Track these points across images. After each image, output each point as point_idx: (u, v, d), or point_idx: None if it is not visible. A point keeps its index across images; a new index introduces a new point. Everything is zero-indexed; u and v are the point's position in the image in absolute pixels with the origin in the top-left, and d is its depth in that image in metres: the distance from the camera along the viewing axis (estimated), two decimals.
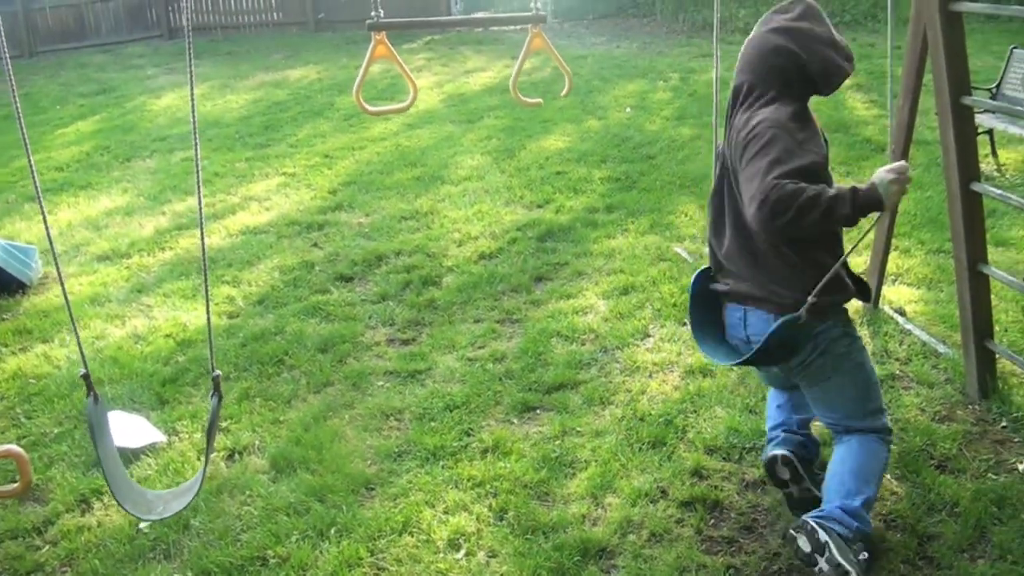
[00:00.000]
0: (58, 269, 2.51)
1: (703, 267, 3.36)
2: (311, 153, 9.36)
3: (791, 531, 3.14)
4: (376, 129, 10.16)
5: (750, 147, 2.96)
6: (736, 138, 3.09)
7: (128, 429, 4.37)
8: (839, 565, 2.95)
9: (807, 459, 3.51)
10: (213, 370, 2.66)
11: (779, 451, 3.46)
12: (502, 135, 9.49)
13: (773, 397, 3.70)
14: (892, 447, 3.44)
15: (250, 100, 12.31)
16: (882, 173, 2.93)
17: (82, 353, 2.56)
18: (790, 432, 3.55)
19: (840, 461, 3.23)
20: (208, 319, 2.66)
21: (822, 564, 2.99)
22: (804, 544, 3.06)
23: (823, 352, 3.11)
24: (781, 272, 3.06)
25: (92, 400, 2.59)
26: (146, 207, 7.99)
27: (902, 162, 3.00)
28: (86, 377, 2.56)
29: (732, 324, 3.27)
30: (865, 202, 2.85)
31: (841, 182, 6.63)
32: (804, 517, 3.11)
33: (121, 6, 18.66)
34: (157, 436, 4.37)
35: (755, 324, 3.13)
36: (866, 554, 3.04)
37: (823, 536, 3.00)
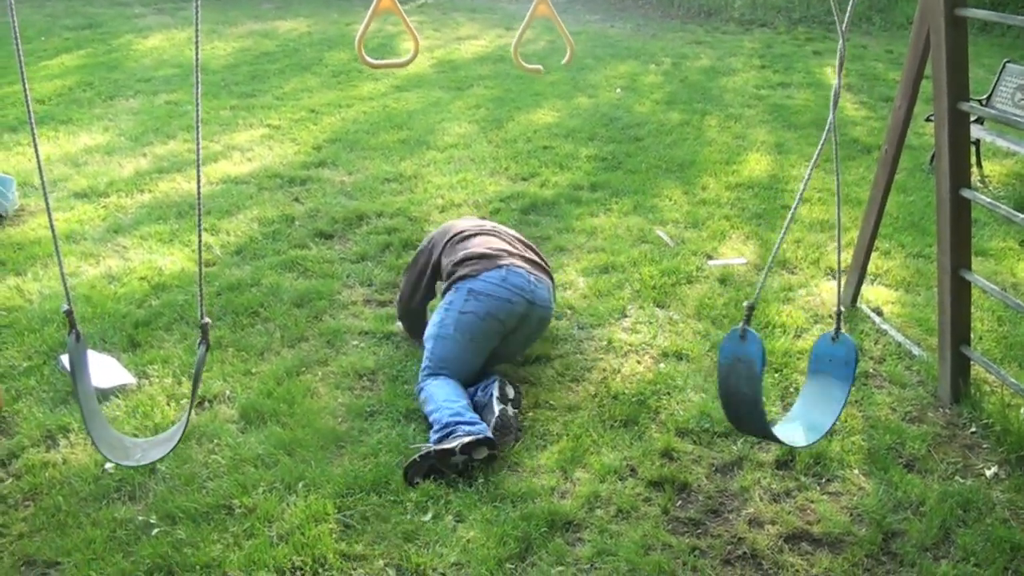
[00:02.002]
0: (47, 205, 2.44)
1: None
2: (297, 107, 9.26)
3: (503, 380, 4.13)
4: (364, 88, 10.07)
5: None
6: None
7: (98, 369, 4.32)
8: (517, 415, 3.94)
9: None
10: (202, 317, 2.62)
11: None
12: (491, 105, 9.43)
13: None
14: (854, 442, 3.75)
15: (237, 48, 12.14)
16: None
17: (66, 289, 2.50)
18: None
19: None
20: (200, 268, 2.62)
21: (510, 409, 3.95)
22: (510, 391, 4.09)
23: None
24: None
25: (74, 338, 2.52)
26: (127, 147, 7.87)
27: None
28: (69, 314, 2.49)
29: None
30: None
31: (827, 179, 6.65)
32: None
33: None
34: (127, 378, 4.33)
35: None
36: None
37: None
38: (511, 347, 4.39)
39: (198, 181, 2.51)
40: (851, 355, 3.32)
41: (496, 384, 4.07)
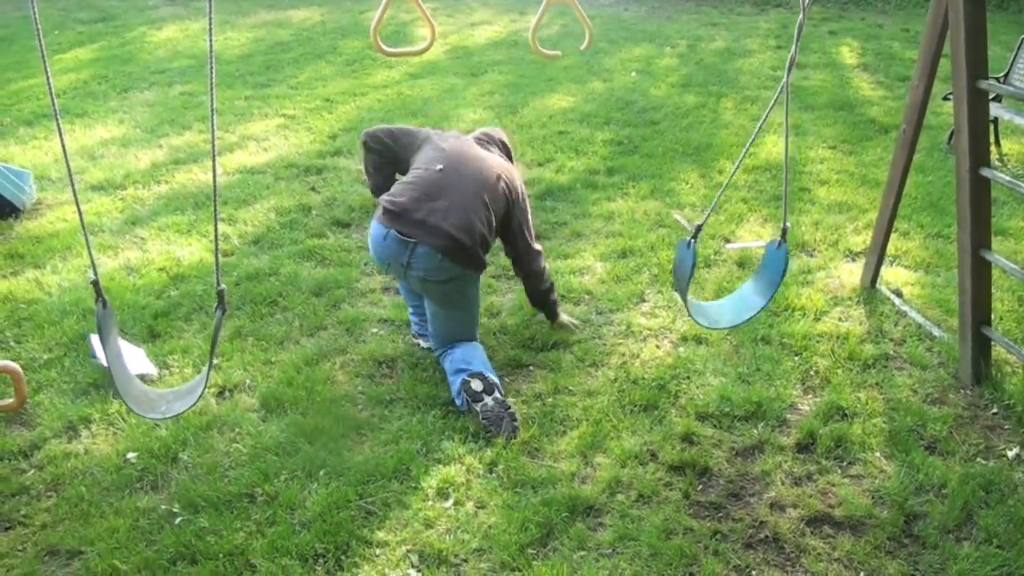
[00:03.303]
0: (72, 185, 2.46)
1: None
2: (312, 96, 9.26)
3: (466, 378, 3.99)
4: (378, 76, 10.06)
5: None
6: None
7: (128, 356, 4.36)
8: (503, 401, 3.93)
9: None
10: (219, 284, 2.66)
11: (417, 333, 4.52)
12: (505, 91, 9.41)
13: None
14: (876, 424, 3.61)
15: (252, 38, 12.15)
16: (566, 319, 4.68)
17: (92, 260, 2.55)
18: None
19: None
20: (216, 240, 2.63)
21: (488, 400, 3.92)
22: (477, 385, 3.95)
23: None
24: None
25: (101, 305, 2.61)
26: (142, 139, 7.90)
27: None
28: (95, 283, 2.56)
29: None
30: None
31: (845, 161, 6.64)
32: (474, 372, 4.03)
33: None
34: (149, 368, 4.35)
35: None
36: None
37: (494, 378, 4.03)
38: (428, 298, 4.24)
39: (214, 169, 2.51)
40: (780, 265, 3.66)
41: (460, 386, 4.00)
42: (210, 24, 2.36)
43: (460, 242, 3.99)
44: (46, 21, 13.02)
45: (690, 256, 3.52)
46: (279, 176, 6.96)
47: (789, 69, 3.31)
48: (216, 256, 2.72)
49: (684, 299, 3.59)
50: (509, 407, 3.92)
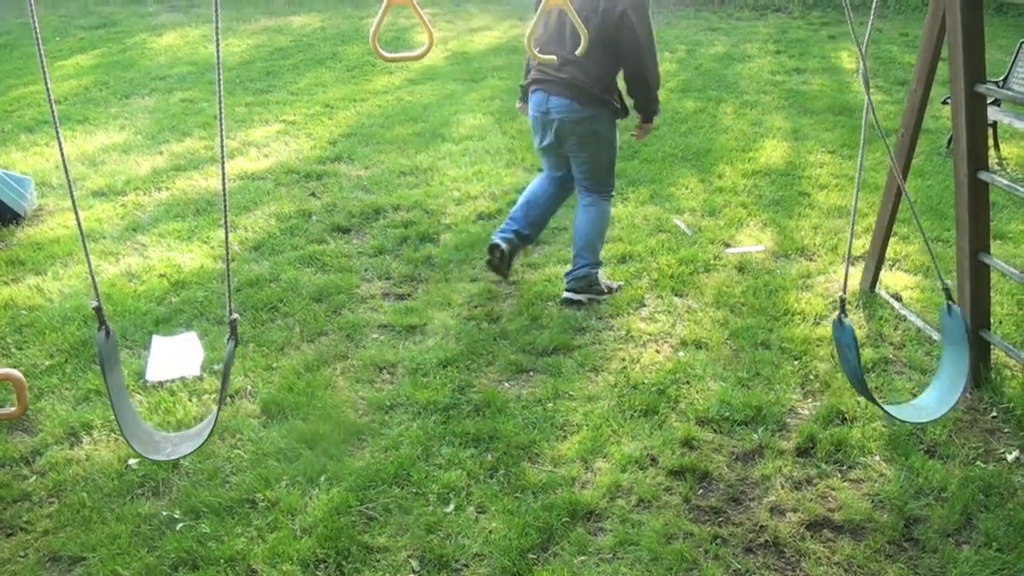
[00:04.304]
0: (73, 201, 2.44)
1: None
2: (312, 102, 9.28)
3: (566, 297, 5.06)
4: (378, 82, 10.08)
5: None
6: None
7: (177, 353, 4.57)
8: (592, 299, 5.05)
9: (515, 250, 5.23)
10: (230, 314, 2.60)
11: (499, 240, 5.12)
12: (505, 96, 9.42)
13: (527, 196, 5.31)
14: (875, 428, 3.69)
15: (252, 45, 12.18)
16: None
17: (95, 285, 2.50)
18: (516, 231, 5.17)
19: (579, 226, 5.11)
20: (227, 264, 2.63)
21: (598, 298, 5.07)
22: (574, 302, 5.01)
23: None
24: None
25: (104, 334, 2.50)
26: (143, 146, 7.92)
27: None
28: (98, 310, 2.48)
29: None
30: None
31: (844, 165, 6.68)
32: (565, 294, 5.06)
33: None
34: (197, 356, 4.53)
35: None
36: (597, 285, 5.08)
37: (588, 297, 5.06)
38: (573, 158, 5.07)
39: (223, 178, 2.52)
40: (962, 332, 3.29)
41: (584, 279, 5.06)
42: (216, 33, 2.37)
43: (579, 87, 4.82)
44: (47, 27, 13.06)
45: (847, 335, 3.07)
46: (279, 182, 6.97)
47: (866, 87, 3.14)
48: (227, 284, 2.71)
49: (867, 395, 3.20)
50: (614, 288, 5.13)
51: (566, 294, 5.05)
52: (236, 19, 13.77)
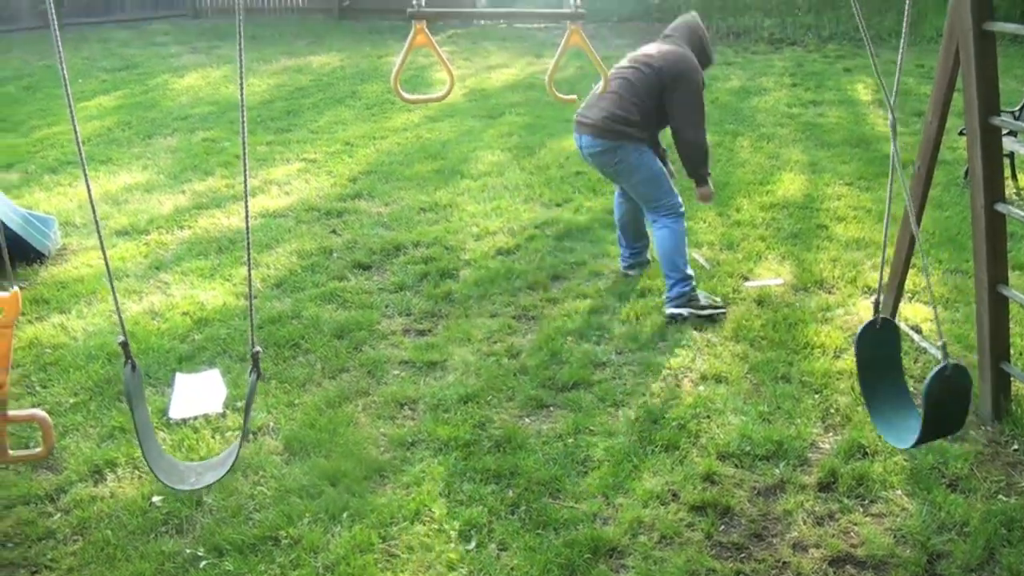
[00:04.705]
0: (99, 234, 2.52)
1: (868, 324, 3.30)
2: (332, 140, 9.38)
3: (669, 313, 5.27)
4: (398, 120, 10.18)
5: None
6: None
7: (199, 391, 4.61)
8: (693, 314, 5.24)
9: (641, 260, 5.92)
10: (253, 346, 2.66)
11: (624, 271, 5.90)
12: (523, 132, 9.50)
13: (616, 221, 5.93)
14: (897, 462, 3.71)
15: (273, 84, 12.33)
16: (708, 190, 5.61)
17: (121, 321, 2.58)
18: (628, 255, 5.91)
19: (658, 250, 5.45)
20: (250, 299, 2.70)
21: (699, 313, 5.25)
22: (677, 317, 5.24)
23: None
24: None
25: (130, 368, 2.59)
26: (166, 185, 8.02)
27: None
28: (124, 345, 2.56)
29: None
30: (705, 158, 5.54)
31: (862, 197, 6.68)
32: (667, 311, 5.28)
33: None
34: (220, 393, 4.56)
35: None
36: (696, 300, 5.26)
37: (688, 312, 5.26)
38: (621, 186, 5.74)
39: (246, 211, 2.56)
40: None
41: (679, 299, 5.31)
42: (240, 74, 2.43)
43: (596, 125, 5.28)
44: (70, 70, 13.19)
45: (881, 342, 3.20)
46: (300, 219, 7.04)
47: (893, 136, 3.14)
48: (251, 318, 2.75)
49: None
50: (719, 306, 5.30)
51: (668, 311, 5.26)
52: (257, 59, 13.94)
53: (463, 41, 15.58)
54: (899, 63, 3.17)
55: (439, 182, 7.89)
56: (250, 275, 2.50)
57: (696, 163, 5.48)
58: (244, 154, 2.49)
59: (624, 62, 5.46)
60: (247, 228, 2.52)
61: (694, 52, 5.43)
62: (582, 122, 5.38)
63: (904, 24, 2.99)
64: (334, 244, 6.51)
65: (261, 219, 7.06)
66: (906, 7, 2.88)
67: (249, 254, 2.49)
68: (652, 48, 5.45)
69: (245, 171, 2.54)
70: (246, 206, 2.53)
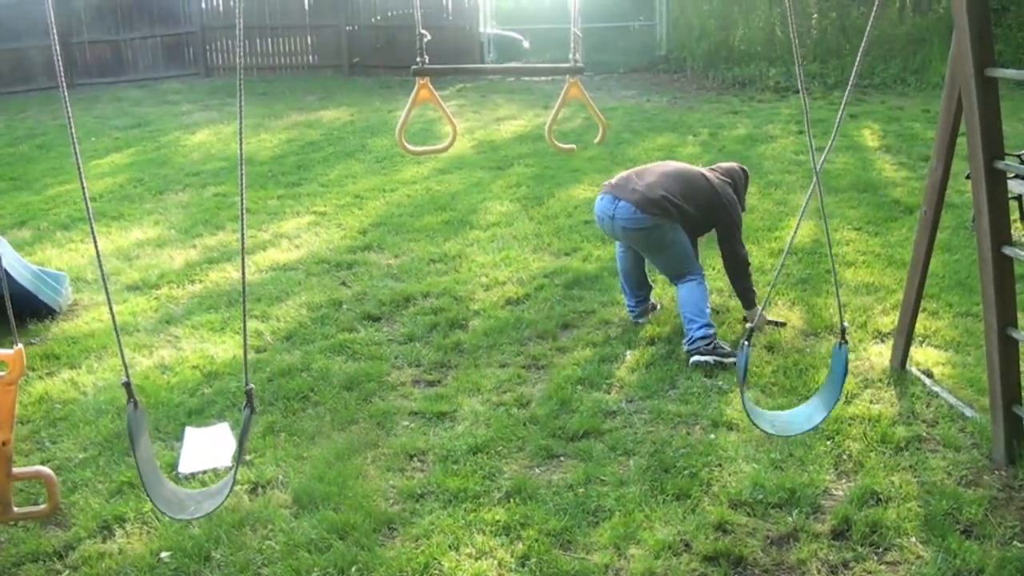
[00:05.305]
0: (105, 286, 2.59)
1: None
2: (342, 193, 9.45)
3: (693, 361, 5.28)
4: (407, 172, 10.26)
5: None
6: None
7: (212, 447, 4.60)
8: (718, 361, 5.27)
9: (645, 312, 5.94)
10: (247, 384, 2.73)
11: (633, 320, 5.90)
12: (531, 183, 9.56)
13: (620, 272, 5.93)
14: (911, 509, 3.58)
15: (284, 139, 12.46)
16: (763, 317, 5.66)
17: (124, 362, 2.65)
18: (632, 304, 5.91)
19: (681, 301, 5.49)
20: (244, 334, 2.70)
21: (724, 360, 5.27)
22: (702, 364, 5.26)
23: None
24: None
25: (132, 406, 2.73)
26: (177, 240, 8.08)
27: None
28: (127, 385, 2.67)
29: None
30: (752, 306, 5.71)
31: (871, 242, 6.65)
32: (692, 359, 5.29)
33: (160, 43, 18.95)
34: (229, 447, 4.55)
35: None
36: (721, 348, 5.32)
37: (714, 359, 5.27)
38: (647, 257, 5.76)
39: (243, 259, 2.59)
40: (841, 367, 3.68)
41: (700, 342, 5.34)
42: (239, 125, 2.46)
43: (645, 196, 5.35)
44: (82, 128, 13.44)
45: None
46: (310, 272, 7.08)
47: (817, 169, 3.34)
48: (244, 355, 2.78)
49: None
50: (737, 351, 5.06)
51: (692, 359, 5.29)
52: (268, 115, 14.11)
53: (472, 94, 15.73)
54: (840, 112, 3.19)
55: (448, 233, 7.93)
56: (244, 313, 2.53)
57: (747, 287, 5.67)
58: (242, 198, 2.52)
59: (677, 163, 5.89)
60: (243, 271, 2.53)
61: (739, 190, 5.78)
62: (628, 188, 5.45)
63: (853, 74, 3.16)
64: (344, 296, 6.53)
65: (271, 272, 7.10)
66: (858, 58, 2.93)
67: (244, 298, 2.51)
68: (706, 169, 5.76)
69: (242, 208, 2.57)
70: (242, 240, 2.56)
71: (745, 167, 6.04)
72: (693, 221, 5.53)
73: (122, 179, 10.53)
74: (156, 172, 10.80)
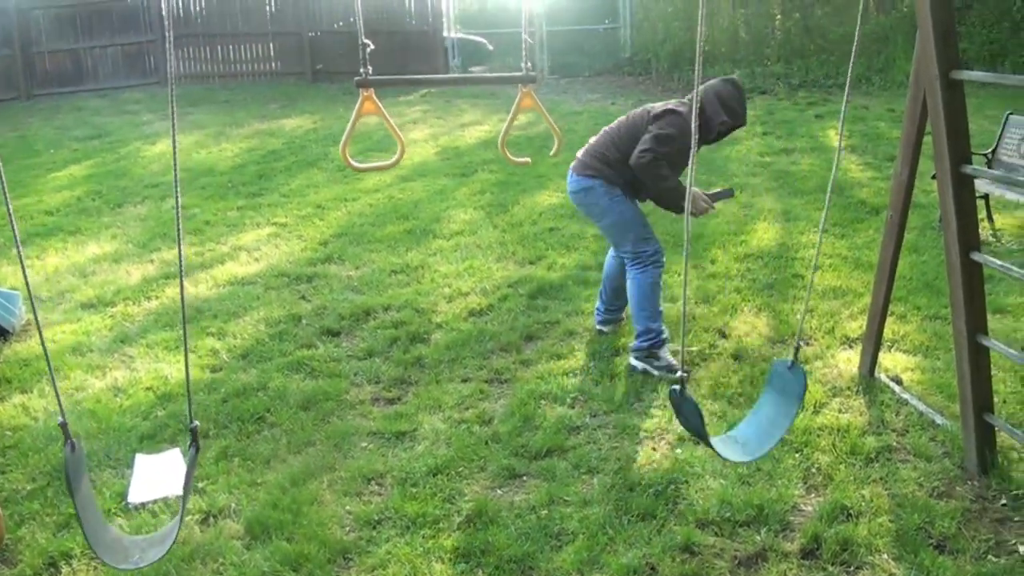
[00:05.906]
0: (35, 316, 2.43)
1: None
2: (303, 203, 9.29)
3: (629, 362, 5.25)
4: (369, 181, 10.10)
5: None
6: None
7: (163, 474, 4.44)
8: (659, 370, 5.15)
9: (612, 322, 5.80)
10: (191, 421, 2.58)
11: (599, 328, 5.79)
12: (495, 189, 9.44)
13: (604, 274, 5.73)
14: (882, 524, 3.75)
15: (244, 148, 12.27)
16: (700, 195, 5.23)
17: (59, 401, 2.50)
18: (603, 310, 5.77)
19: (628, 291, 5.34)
20: (187, 370, 2.57)
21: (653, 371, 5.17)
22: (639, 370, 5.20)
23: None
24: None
25: (69, 449, 2.56)
26: (134, 254, 7.89)
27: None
28: (63, 426, 2.50)
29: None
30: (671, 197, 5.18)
31: (837, 244, 6.63)
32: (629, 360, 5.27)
33: (120, 52, 18.70)
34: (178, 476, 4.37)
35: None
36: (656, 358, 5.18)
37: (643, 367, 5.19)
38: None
39: (181, 283, 2.45)
40: (801, 389, 3.59)
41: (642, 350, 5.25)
42: (172, 126, 2.33)
43: (580, 159, 5.31)
44: (42, 140, 13.20)
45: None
46: (269, 286, 6.92)
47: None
48: (188, 390, 2.64)
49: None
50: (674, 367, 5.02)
51: (629, 360, 5.27)
52: (230, 124, 13.91)
53: (436, 100, 15.60)
54: (843, 111, 3.10)
55: (411, 243, 7.79)
56: (187, 357, 2.39)
57: (665, 201, 5.28)
58: (178, 216, 2.39)
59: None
60: (182, 308, 2.39)
61: (707, 111, 5.15)
62: (576, 156, 5.42)
63: (850, 74, 3.02)
64: (303, 310, 6.38)
65: (229, 287, 6.94)
66: (852, 59, 2.83)
67: (185, 333, 2.38)
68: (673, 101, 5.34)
69: (179, 231, 2.44)
70: (179, 265, 2.42)
71: (732, 78, 5.53)
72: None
73: (80, 192, 10.32)
74: (115, 184, 10.59)
